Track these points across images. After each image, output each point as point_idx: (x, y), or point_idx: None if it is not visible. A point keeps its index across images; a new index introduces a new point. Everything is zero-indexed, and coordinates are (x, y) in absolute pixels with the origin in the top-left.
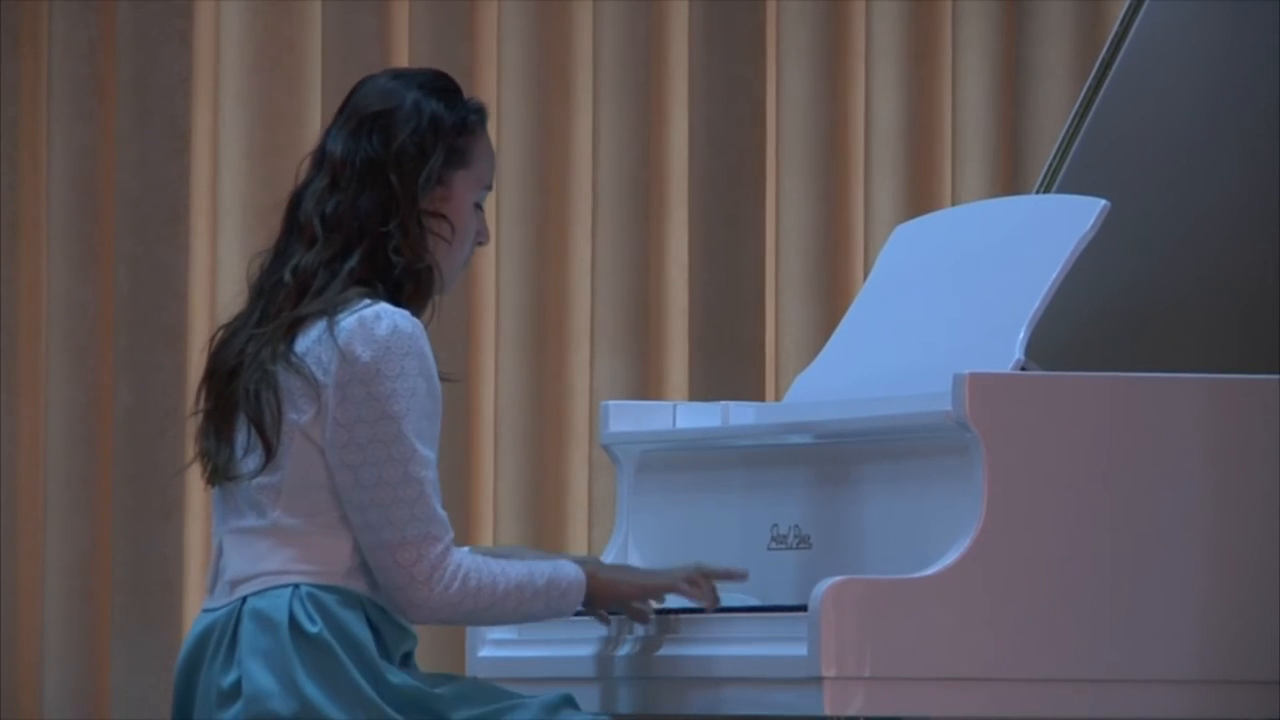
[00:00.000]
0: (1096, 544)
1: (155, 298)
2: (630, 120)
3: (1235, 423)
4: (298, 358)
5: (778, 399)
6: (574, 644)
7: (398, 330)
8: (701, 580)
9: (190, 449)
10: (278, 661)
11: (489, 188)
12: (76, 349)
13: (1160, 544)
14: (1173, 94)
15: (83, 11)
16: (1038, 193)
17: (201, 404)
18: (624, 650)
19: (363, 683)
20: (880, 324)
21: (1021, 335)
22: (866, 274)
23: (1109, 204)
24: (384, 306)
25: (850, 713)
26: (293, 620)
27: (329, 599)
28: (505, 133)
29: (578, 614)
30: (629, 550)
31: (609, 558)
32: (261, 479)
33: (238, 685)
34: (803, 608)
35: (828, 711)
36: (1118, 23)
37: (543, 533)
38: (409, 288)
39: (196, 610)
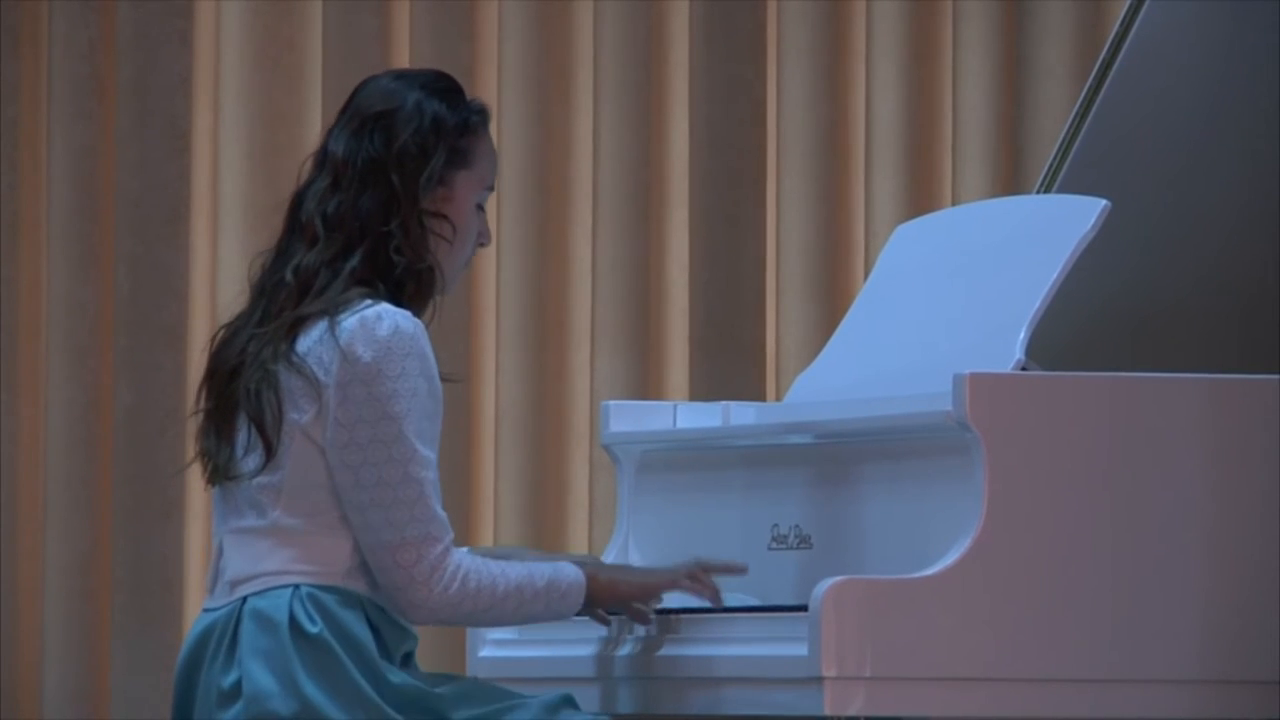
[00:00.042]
0: (1097, 544)
1: (155, 298)
2: (630, 120)
3: (1235, 423)
4: (299, 357)
5: (778, 399)
6: (574, 644)
7: (399, 330)
8: (702, 575)
9: (190, 449)
10: (278, 662)
11: (491, 188)
12: (76, 349)
13: (1160, 544)
14: (1173, 94)
15: (83, 11)
16: (1038, 193)
17: (202, 403)
18: (624, 650)
19: (363, 683)
20: (881, 324)
21: (1022, 335)
22: (867, 274)
23: (1109, 204)
24: (385, 307)
25: (850, 713)
26: (293, 620)
27: (329, 599)
28: (505, 133)
29: (578, 614)
30: (629, 550)
31: (609, 558)
32: (262, 479)
33: (238, 685)
34: (803, 608)
35: (828, 711)
36: (1118, 23)
37: (543, 533)
38: (410, 287)
39: (196, 610)
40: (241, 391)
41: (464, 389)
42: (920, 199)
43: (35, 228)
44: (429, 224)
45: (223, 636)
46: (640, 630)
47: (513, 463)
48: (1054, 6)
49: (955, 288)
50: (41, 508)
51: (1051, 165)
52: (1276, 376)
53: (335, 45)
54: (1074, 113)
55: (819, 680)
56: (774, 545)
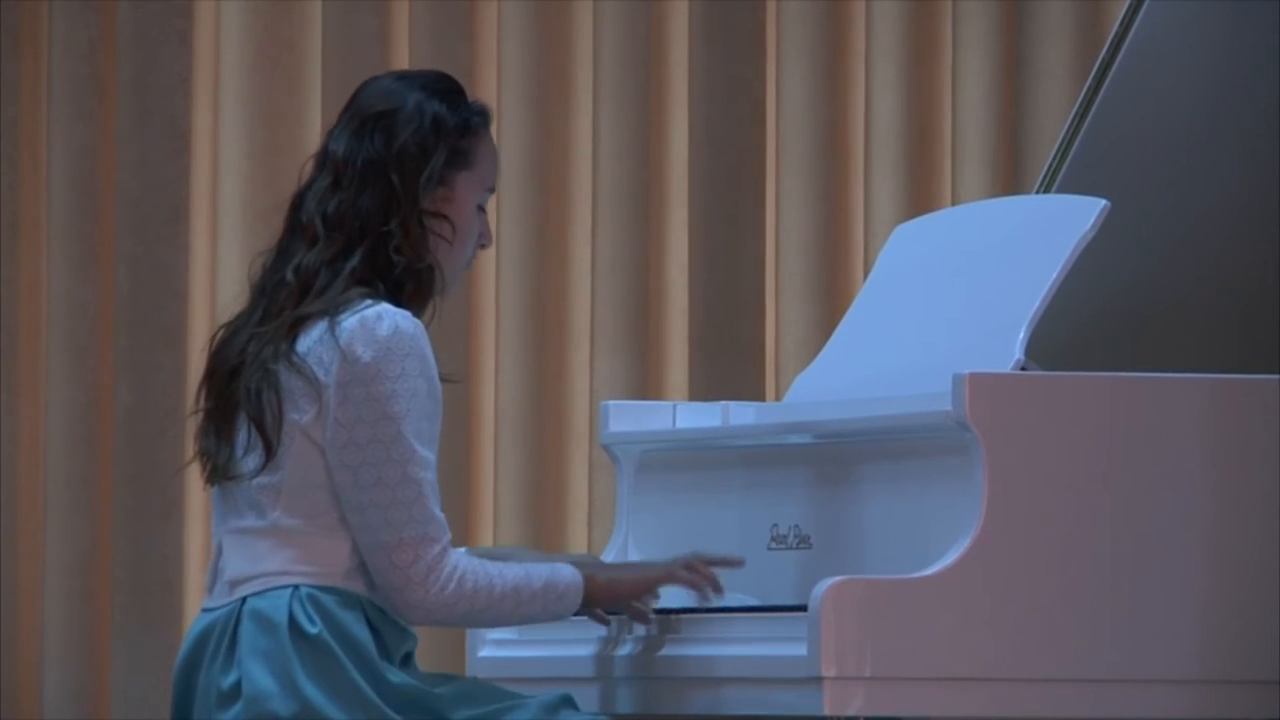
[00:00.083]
0: (1097, 544)
1: (155, 298)
2: (630, 120)
3: (1235, 423)
4: (299, 357)
5: (778, 399)
6: (574, 644)
7: (399, 331)
8: (700, 566)
9: (190, 449)
10: (278, 662)
11: (492, 190)
12: (76, 349)
13: (1160, 544)
14: (1173, 94)
15: (83, 11)
16: (1038, 193)
17: (202, 403)
18: (624, 650)
19: (362, 683)
20: (880, 324)
21: (1022, 335)
22: (866, 274)
23: (1109, 204)
24: (386, 307)
25: (850, 713)
26: (292, 621)
27: (329, 600)
28: (505, 133)
29: (576, 614)
30: (629, 550)
31: (609, 558)
32: (262, 479)
33: (238, 686)
34: (803, 608)
35: (828, 711)
36: (1118, 23)
37: (543, 533)
38: (410, 287)
39: (196, 610)
40: (242, 391)
41: (464, 389)
42: (920, 199)
43: (35, 228)
44: (429, 224)
45: (222, 637)
46: (640, 630)
47: (512, 463)
48: (1054, 6)
49: (955, 288)
50: (41, 508)
51: (1051, 165)
52: (1276, 376)
53: (335, 45)
54: (1074, 113)
55: (819, 680)
56: (773, 545)
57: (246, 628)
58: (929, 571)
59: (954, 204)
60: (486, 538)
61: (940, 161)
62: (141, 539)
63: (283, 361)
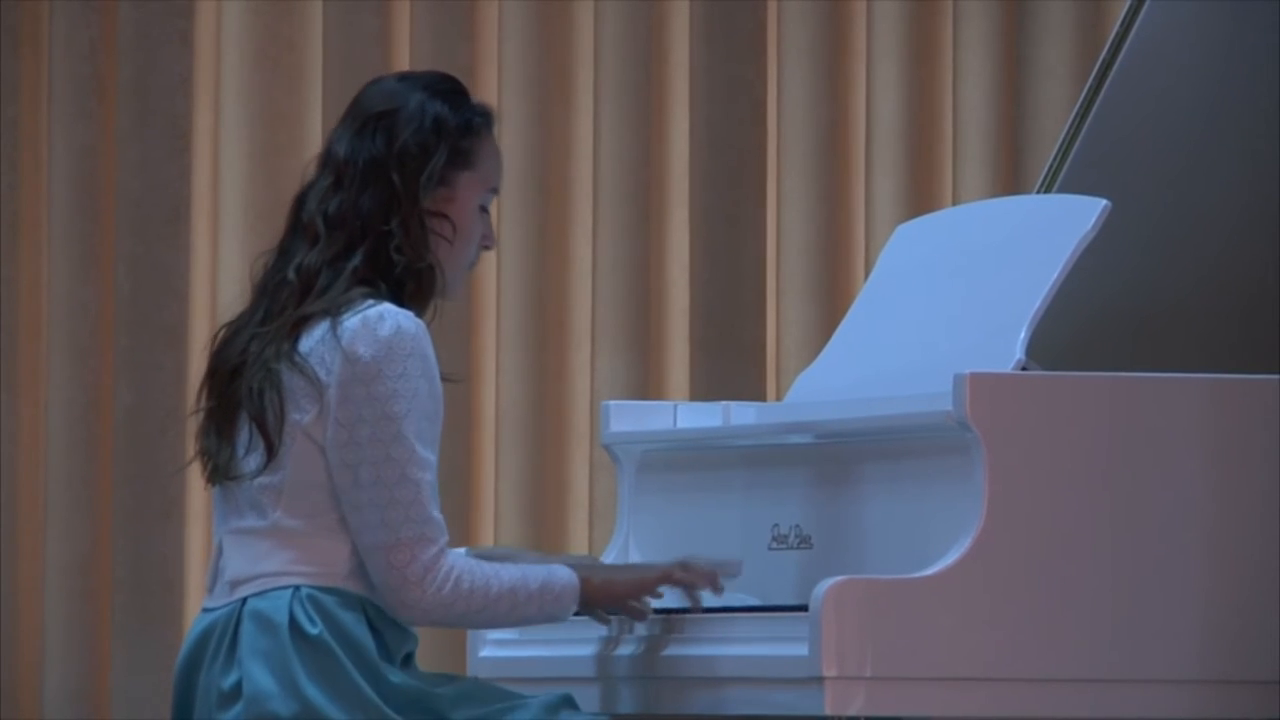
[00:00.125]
0: (1097, 544)
1: (155, 298)
2: (630, 120)
3: (1235, 423)
4: (301, 357)
5: (778, 399)
6: (574, 644)
7: (401, 331)
8: (696, 565)
9: (190, 449)
10: (278, 663)
11: (495, 191)
12: (76, 349)
13: (1160, 544)
14: (1173, 94)
15: (83, 11)
16: (1038, 193)
17: (203, 403)
18: (624, 650)
19: (363, 684)
20: (881, 324)
21: (1022, 335)
22: (867, 274)
23: (1109, 204)
24: (387, 307)
25: (851, 713)
26: (293, 621)
27: (329, 600)
28: (505, 133)
29: (575, 614)
30: (630, 551)
31: (610, 558)
32: (263, 479)
33: (238, 686)
34: (803, 608)
35: (828, 711)
36: (1118, 23)
37: (543, 533)
38: (410, 287)
39: (196, 610)
40: (243, 391)
41: (464, 389)
42: (920, 199)
43: (35, 228)
44: (430, 223)
45: (223, 637)
46: (640, 630)
47: (513, 463)
48: (1054, 6)
49: (955, 287)
50: (41, 508)
51: (1051, 165)
52: (1276, 376)
53: (335, 45)
54: (1074, 113)
55: (819, 680)
56: (774, 545)
57: (247, 628)
58: (930, 571)
59: (955, 204)
60: (487, 538)
61: (941, 161)
62: (141, 539)
63: (285, 361)
